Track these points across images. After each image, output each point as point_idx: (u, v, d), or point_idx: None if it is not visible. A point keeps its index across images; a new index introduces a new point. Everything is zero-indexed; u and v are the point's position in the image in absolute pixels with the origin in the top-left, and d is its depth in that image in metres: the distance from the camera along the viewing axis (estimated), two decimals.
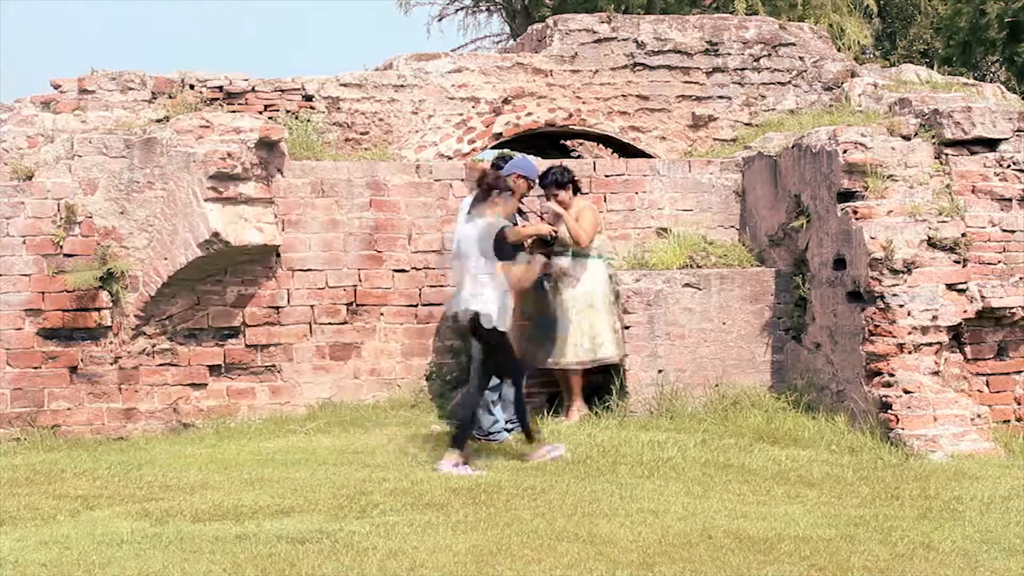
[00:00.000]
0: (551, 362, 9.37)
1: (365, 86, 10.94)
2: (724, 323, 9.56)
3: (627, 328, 9.35)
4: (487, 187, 8.06)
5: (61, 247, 9.20)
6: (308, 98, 10.80)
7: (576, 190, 9.56)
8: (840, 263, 8.90)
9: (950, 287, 8.55)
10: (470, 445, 8.01)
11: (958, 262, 8.60)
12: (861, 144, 8.87)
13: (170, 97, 10.19)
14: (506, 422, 8.83)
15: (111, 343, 9.26)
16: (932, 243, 8.56)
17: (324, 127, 10.70)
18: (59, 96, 9.94)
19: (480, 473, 7.57)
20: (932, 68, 13.86)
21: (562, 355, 9.34)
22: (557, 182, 9.40)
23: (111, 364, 9.27)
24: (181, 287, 9.34)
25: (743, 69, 11.71)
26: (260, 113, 10.43)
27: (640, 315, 9.37)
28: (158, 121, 9.57)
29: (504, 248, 7.97)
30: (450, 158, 10.92)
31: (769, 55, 11.77)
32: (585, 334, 9.27)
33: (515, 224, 8.91)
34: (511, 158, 9.71)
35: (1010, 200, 8.83)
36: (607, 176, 10.35)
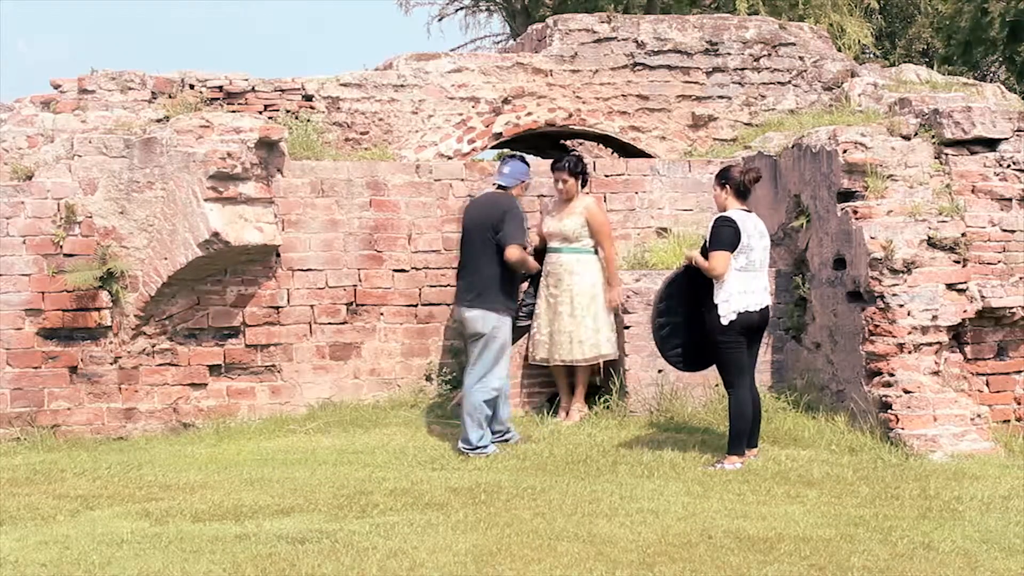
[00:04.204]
0: (558, 359, 9.32)
1: (365, 86, 10.94)
2: None
3: (627, 328, 9.34)
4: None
5: (61, 247, 9.20)
6: (308, 98, 10.80)
7: (584, 183, 9.56)
8: (840, 263, 8.90)
9: (950, 287, 8.55)
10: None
11: (958, 262, 8.60)
12: (861, 144, 8.87)
13: (170, 97, 10.19)
14: (493, 433, 8.68)
15: (111, 343, 9.26)
16: (932, 243, 8.55)
17: (324, 127, 10.71)
18: (59, 96, 9.93)
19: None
20: (932, 68, 13.86)
21: (569, 353, 9.31)
22: (569, 169, 9.40)
23: (111, 364, 9.27)
24: (181, 287, 9.34)
25: (743, 69, 11.71)
26: (260, 113, 10.43)
27: (640, 315, 9.34)
28: (158, 121, 9.57)
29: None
30: (450, 158, 10.92)
31: (769, 55, 11.78)
32: (588, 328, 9.25)
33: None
34: (512, 159, 9.70)
35: (1010, 200, 8.83)
36: (607, 176, 10.36)
